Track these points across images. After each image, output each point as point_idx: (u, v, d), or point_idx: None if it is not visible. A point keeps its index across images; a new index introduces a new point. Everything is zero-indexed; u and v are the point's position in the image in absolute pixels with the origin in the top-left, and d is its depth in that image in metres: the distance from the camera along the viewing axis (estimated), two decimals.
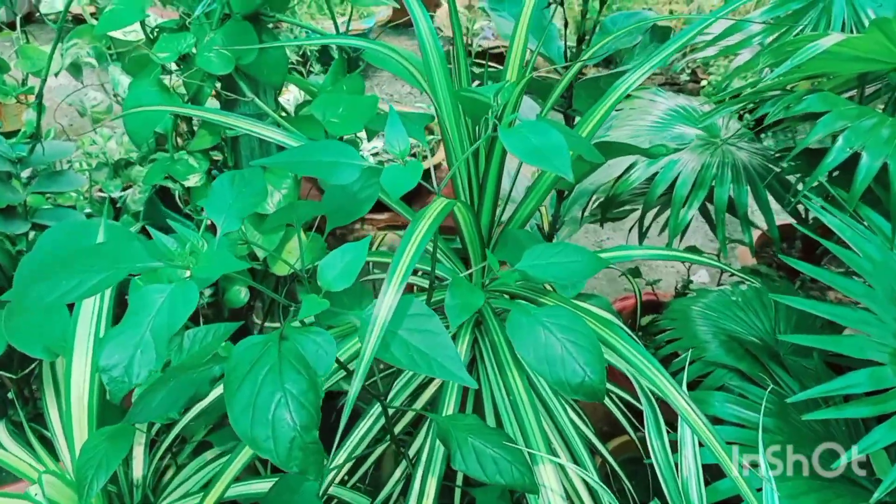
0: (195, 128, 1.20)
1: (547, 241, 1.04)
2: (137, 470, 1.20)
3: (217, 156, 1.23)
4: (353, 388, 0.61)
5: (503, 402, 0.95)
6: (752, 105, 1.43)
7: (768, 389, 1.16)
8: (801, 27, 1.38)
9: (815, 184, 1.42)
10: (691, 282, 1.66)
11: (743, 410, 1.12)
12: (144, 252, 0.65)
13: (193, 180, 1.13)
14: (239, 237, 1.21)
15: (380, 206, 1.10)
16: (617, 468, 1.11)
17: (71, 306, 1.04)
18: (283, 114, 1.18)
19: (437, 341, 0.63)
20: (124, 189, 1.64)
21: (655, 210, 1.50)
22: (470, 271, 0.83)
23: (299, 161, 0.72)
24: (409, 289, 1.46)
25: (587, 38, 1.24)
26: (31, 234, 1.37)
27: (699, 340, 1.26)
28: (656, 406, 0.92)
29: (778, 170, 1.48)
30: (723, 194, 1.41)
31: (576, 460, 0.97)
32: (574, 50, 1.33)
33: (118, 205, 1.72)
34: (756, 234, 1.84)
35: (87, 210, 1.73)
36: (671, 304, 1.37)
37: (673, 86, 3.23)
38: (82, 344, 1.00)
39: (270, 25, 1.06)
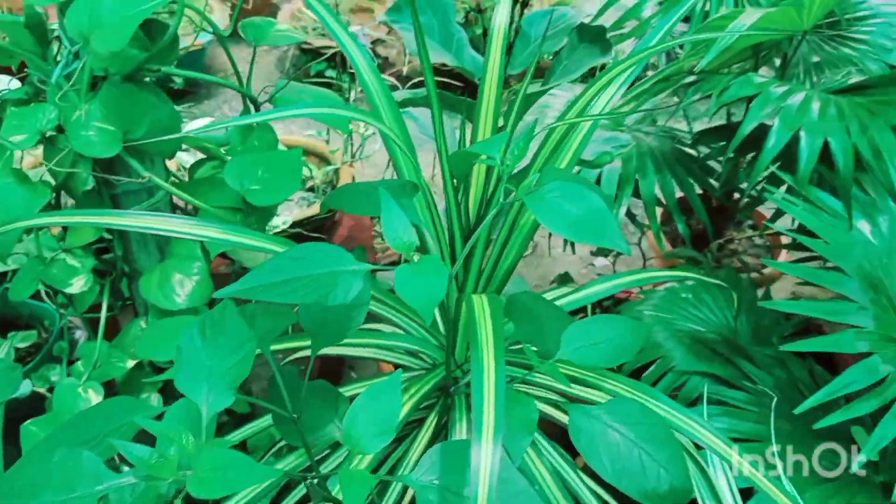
0: None
1: None
2: None
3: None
4: None
5: None
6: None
7: (747, 391, 1.12)
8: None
9: (732, 164, 1.39)
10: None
11: (735, 422, 1.07)
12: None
13: (78, 285, 0.89)
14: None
15: None
16: None
17: None
18: (175, 180, 0.97)
19: None
20: None
21: None
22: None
23: (282, 283, 0.54)
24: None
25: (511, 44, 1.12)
26: None
27: (664, 349, 1.20)
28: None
29: (694, 153, 1.44)
30: (649, 187, 1.35)
31: None
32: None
33: None
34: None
35: None
36: (620, 311, 1.29)
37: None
38: None
39: (153, 81, 0.85)
